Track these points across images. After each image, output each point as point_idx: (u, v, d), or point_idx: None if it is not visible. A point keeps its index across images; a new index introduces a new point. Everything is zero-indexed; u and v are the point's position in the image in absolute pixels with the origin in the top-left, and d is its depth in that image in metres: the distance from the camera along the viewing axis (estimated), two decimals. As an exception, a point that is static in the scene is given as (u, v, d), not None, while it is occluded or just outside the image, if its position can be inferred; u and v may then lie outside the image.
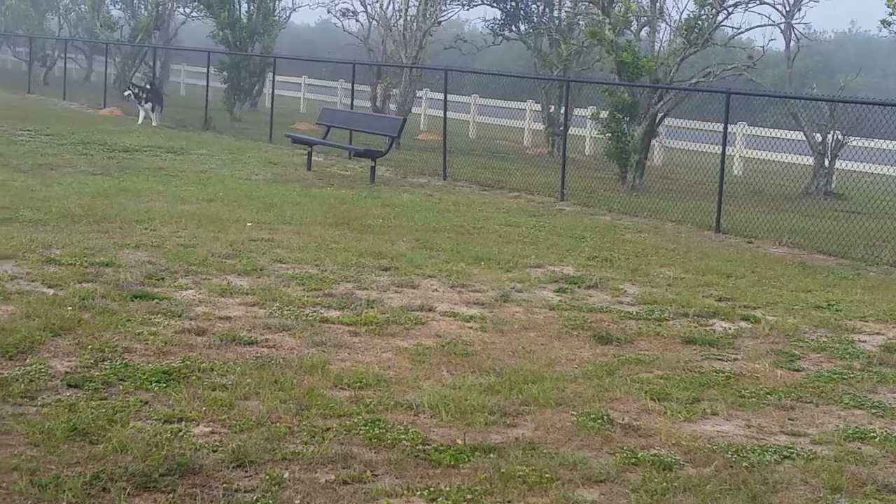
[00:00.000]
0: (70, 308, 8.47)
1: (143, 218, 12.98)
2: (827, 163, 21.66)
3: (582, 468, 5.89)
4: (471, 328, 8.96)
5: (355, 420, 6.44)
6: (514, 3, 28.97)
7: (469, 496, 5.42)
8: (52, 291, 9.07)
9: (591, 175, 21.51)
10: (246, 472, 5.62)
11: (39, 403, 6.41)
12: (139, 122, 27.88)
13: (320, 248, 11.88)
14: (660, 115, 21.14)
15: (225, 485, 5.42)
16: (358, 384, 7.15)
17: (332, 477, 5.60)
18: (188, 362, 7.35)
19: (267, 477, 5.53)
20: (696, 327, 9.48)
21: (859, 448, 6.56)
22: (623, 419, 6.79)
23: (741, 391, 7.59)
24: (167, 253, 10.97)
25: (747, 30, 22.29)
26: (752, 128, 26.20)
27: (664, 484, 5.74)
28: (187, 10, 43.73)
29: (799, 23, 23.24)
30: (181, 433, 6.05)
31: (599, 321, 9.49)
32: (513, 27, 29.27)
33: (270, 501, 5.24)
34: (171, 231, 12.28)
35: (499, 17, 29.48)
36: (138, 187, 15.76)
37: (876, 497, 5.80)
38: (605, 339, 8.83)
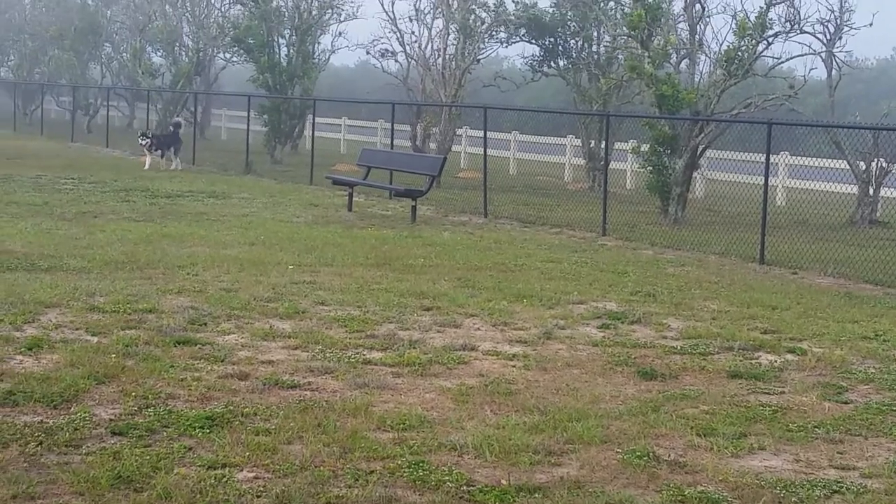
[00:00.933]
0: (114, 355, 8.50)
1: (185, 263, 13.05)
2: (871, 191, 21.49)
3: (628, 507, 5.83)
4: (514, 366, 8.91)
5: (399, 462, 6.41)
6: (552, 40, 29.02)
7: (514, 538, 5.37)
8: (95, 339, 9.11)
9: (632, 209, 21.44)
10: (290, 517, 5.60)
11: (84, 452, 6.42)
12: (146, 167, 27.76)
13: (362, 290, 11.88)
14: (701, 147, 21.08)
15: (269, 530, 5.40)
16: (401, 426, 7.12)
17: (377, 520, 5.58)
18: (231, 407, 7.35)
19: (311, 522, 5.51)
20: (741, 361, 9.39)
21: (911, 481, 6.46)
22: (669, 456, 6.72)
23: (789, 425, 7.50)
24: (210, 298, 11.01)
25: (788, 59, 22.18)
26: (794, 157, 26.05)
27: (712, 522, 5.66)
28: (227, 55, 44.15)
29: (840, 51, 23.14)
30: (225, 479, 6.04)
31: (643, 357, 9.42)
32: (551, 63, 29.32)
33: (314, 546, 5.21)
34: (213, 276, 12.33)
35: (537, 54, 29.53)
36: (180, 233, 15.86)
37: (929, 531, 5.70)
38: (650, 374, 8.76)
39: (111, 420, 7.01)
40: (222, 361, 8.59)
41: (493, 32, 29.96)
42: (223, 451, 6.47)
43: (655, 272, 14.39)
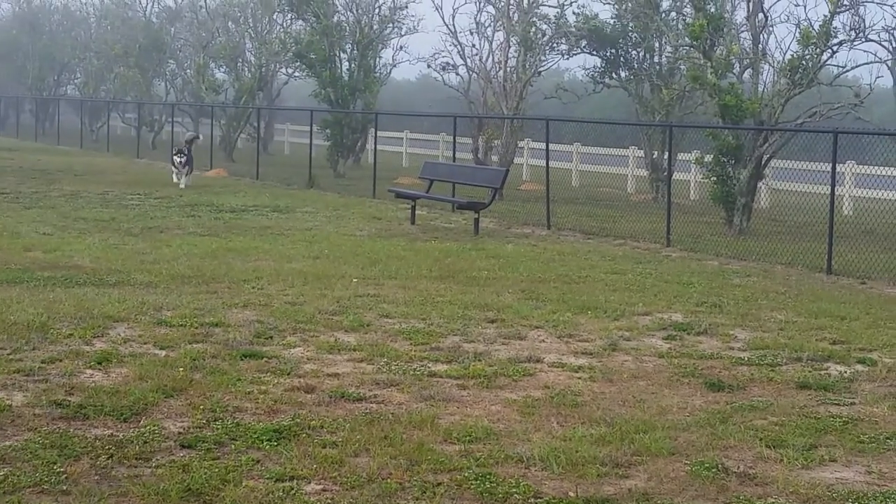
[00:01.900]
0: (181, 369, 8.57)
1: (250, 277, 13.14)
2: (940, 199, 21.20)
3: (698, 519, 5.79)
4: (579, 378, 8.88)
5: (466, 474, 6.40)
6: (613, 51, 28.95)
7: (583, 550, 5.34)
8: (163, 353, 9.19)
9: (696, 220, 21.31)
10: (358, 529, 5.61)
11: (154, 464, 6.47)
12: (182, 185, 26.99)
13: (426, 302, 11.89)
14: (765, 157, 20.91)
15: (337, 543, 5.41)
16: (467, 438, 7.11)
17: (444, 533, 5.57)
18: (298, 420, 7.38)
19: (379, 534, 5.51)
20: (810, 372, 9.29)
21: None
22: (738, 467, 6.66)
23: (860, 436, 7.40)
24: (275, 311, 11.07)
25: (853, 68, 21.98)
26: (861, 166, 25.77)
27: (783, 534, 5.60)
28: (290, 70, 44.47)
29: (906, 59, 22.88)
30: (293, 491, 6.06)
31: (710, 368, 9.35)
32: (613, 74, 29.24)
33: (383, 559, 5.21)
34: (278, 289, 12.40)
35: (599, 65, 29.47)
36: (245, 247, 15.97)
37: None
38: (717, 385, 8.69)
39: (180, 433, 7.06)
40: (288, 374, 8.63)
41: (554, 44, 29.96)
42: (291, 464, 6.50)
43: (721, 283, 14.28)
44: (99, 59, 54.65)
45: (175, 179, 27.42)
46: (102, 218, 19.24)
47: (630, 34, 28.89)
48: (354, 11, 34.71)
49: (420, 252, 16.19)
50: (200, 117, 45.66)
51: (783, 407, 8.11)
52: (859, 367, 9.51)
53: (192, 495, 5.94)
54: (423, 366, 9.09)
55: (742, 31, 22.86)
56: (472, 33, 30.89)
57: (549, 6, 29.80)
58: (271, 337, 9.95)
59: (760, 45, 21.70)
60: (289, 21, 41.47)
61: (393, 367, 8.98)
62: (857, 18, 21.17)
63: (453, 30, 31.31)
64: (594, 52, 29.41)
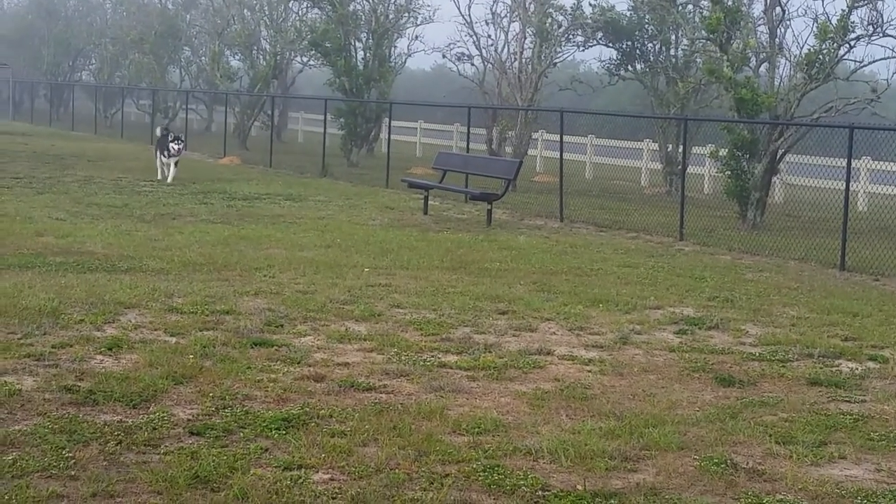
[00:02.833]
0: (191, 356, 8.57)
1: (262, 265, 13.13)
2: (955, 196, 21.11)
3: (706, 515, 5.77)
4: (590, 371, 8.86)
5: (474, 466, 6.39)
6: (629, 43, 28.88)
7: (590, 544, 5.33)
8: (174, 340, 9.20)
9: (710, 214, 21.25)
10: (365, 519, 5.60)
11: (162, 451, 6.47)
12: (170, 179, 24.23)
13: (437, 293, 11.88)
14: (780, 152, 20.84)
15: (344, 532, 5.40)
16: (476, 429, 7.10)
17: (452, 524, 5.56)
18: (307, 409, 7.38)
19: (386, 524, 5.50)
20: (821, 368, 9.26)
21: None
22: (747, 463, 6.64)
23: (870, 434, 7.37)
24: (286, 300, 11.07)
25: (870, 63, 21.80)
26: (876, 162, 25.67)
27: (791, 531, 5.58)
28: (304, 59, 44.45)
29: (924, 54, 22.72)
30: (301, 480, 6.06)
31: (721, 363, 9.32)
32: (629, 67, 29.17)
33: (389, 549, 5.20)
34: (289, 278, 12.40)
35: (614, 57, 29.42)
36: (257, 235, 15.97)
37: None
38: (728, 381, 8.66)
39: (189, 420, 7.07)
40: (298, 363, 8.63)
41: (570, 36, 29.90)
42: (299, 453, 6.50)
43: (733, 277, 14.24)
44: (114, 46, 54.73)
45: (163, 173, 24.61)
46: (115, 204, 19.25)
47: (646, 26, 28.82)
48: (370, 0, 34.68)
49: (432, 242, 16.18)
50: (215, 104, 45.73)
51: (793, 403, 8.09)
52: (871, 365, 9.48)
53: (200, 482, 5.94)
54: (433, 356, 9.08)
55: (759, 25, 22.77)
56: (487, 23, 30.84)
57: (566, -3, 29.75)
58: (282, 325, 9.94)
59: (777, 39, 21.61)
60: (304, 9, 41.50)
61: (403, 358, 8.97)
62: (874, 13, 21.03)
63: (469, 20, 31.27)
64: (610, 44, 29.35)
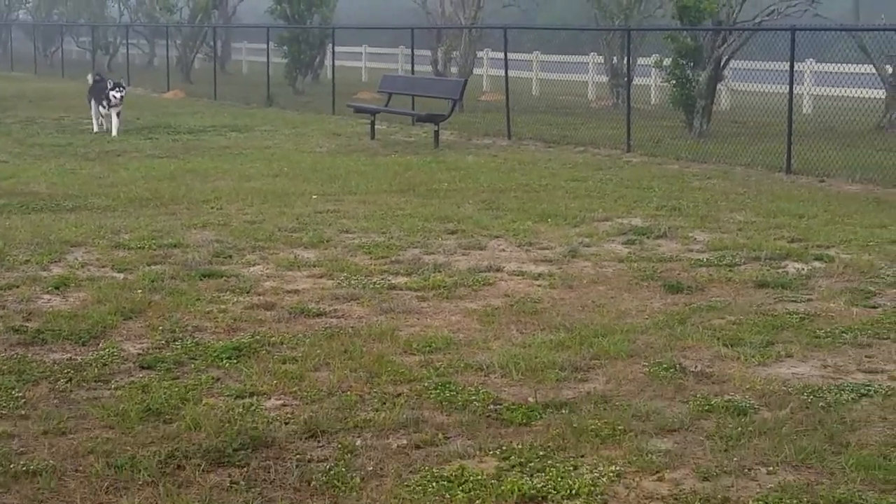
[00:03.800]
0: (140, 291, 8.54)
1: (209, 198, 13.05)
2: (898, 95, 21.20)
3: (655, 418, 5.83)
4: (539, 286, 8.90)
5: (426, 384, 6.43)
6: (569, -44, 28.68)
7: (542, 453, 5.38)
8: (121, 276, 9.15)
9: (657, 124, 21.26)
10: (318, 442, 5.63)
11: (113, 386, 6.46)
12: (115, 132, 20.46)
13: (386, 216, 11.87)
14: (724, 58, 20.83)
15: (298, 456, 5.43)
16: (427, 348, 7.13)
17: (405, 442, 5.59)
18: (258, 337, 7.38)
19: (339, 446, 5.53)
20: (768, 271, 9.35)
21: (940, 382, 6.43)
22: (696, 367, 6.71)
23: (816, 332, 7.47)
24: (234, 231, 11.02)
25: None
26: (820, 64, 25.72)
27: (739, 429, 5.66)
28: (245, -12, 43.87)
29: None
30: (253, 408, 6.07)
31: (669, 270, 9.39)
32: (570, -20, 28.99)
33: (344, 469, 5.23)
34: (237, 209, 12.34)
35: (555, -29, 29.21)
36: (204, 167, 15.85)
37: (958, 431, 5.68)
38: (676, 288, 8.73)
39: (139, 354, 7.05)
40: (248, 293, 8.61)
41: (511, -49, 29.64)
42: (251, 381, 6.51)
43: (681, 186, 14.31)
44: (51, -18, 53.83)
45: (101, 126, 21.00)
46: (58, 143, 19.02)
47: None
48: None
49: (380, 166, 16.12)
50: (156, 38, 45.13)
51: (741, 306, 8.17)
52: (816, 264, 9.58)
53: (152, 415, 5.94)
54: (382, 279, 9.09)
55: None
56: (427, -59, 30.50)
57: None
58: (230, 256, 9.91)
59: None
60: (242, -64, 40.86)
61: (353, 282, 8.97)
62: None
63: (408, -60, 30.91)
64: (551, -41, 29.14)
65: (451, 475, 5.12)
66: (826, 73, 25.14)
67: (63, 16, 53.79)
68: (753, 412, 5.94)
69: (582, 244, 10.47)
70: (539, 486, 5.00)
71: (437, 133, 19.42)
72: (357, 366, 6.76)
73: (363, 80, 37.93)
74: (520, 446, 5.47)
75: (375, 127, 20.66)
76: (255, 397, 6.26)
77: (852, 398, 6.16)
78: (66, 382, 6.48)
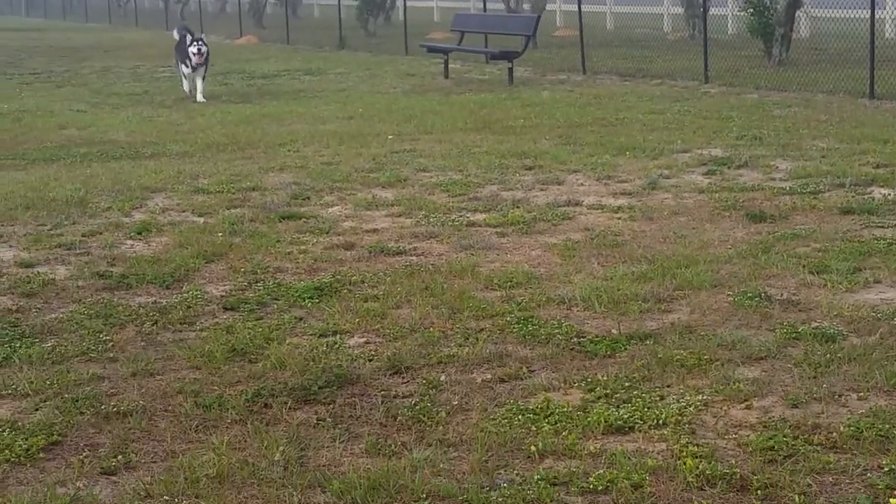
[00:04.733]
0: (220, 234, 8.58)
1: (285, 141, 13.09)
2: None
3: (741, 347, 5.76)
4: (619, 219, 8.82)
5: (508, 319, 6.40)
6: None
7: (627, 384, 5.34)
8: (202, 220, 9.21)
9: (735, 54, 20.93)
10: (403, 378, 5.63)
11: (198, 328, 6.51)
12: (200, 96, 17.86)
13: (463, 154, 11.82)
14: (802, -15, 20.42)
15: (383, 392, 5.43)
16: (508, 284, 7.09)
17: (489, 376, 5.58)
18: (339, 277, 7.38)
19: (424, 381, 5.53)
20: (853, 196, 9.18)
21: None
22: (781, 295, 6.61)
23: (905, 257, 7.32)
24: (311, 172, 11.04)
25: None
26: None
27: (827, 356, 5.57)
28: (314, -68, 43.73)
29: None
30: (337, 346, 6.09)
31: (752, 200, 9.25)
32: None
33: (429, 404, 5.23)
34: (313, 151, 12.36)
35: None
36: (279, 111, 15.89)
37: None
38: (759, 217, 8.60)
39: (222, 296, 7.09)
40: (327, 233, 8.62)
41: None
42: (333, 320, 6.52)
43: (761, 115, 14.09)
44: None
45: (187, 87, 18.31)
46: (135, 92, 19.18)
47: None
48: None
49: (455, 105, 16.05)
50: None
51: (826, 233, 8.03)
52: (903, 190, 9.39)
53: (237, 355, 5.98)
54: (461, 216, 9.06)
55: None
56: None
57: None
58: (308, 198, 9.93)
59: None
60: None
61: (431, 220, 8.95)
62: None
63: None
64: None
65: (537, 408, 5.10)
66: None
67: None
68: (842, 339, 5.84)
69: (661, 176, 10.35)
70: (625, 416, 4.96)
71: (511, 70, 19.28)
72: (438, 302, 6.74)
73: (435, 20, 37.74)
74: (605, 378, 5.43)
75: (449, 66, 20.56)
76: (338, 335, 6.27)
77: (944, 323, 6.04)
78: (152, 325, 6.54)
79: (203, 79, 17.93)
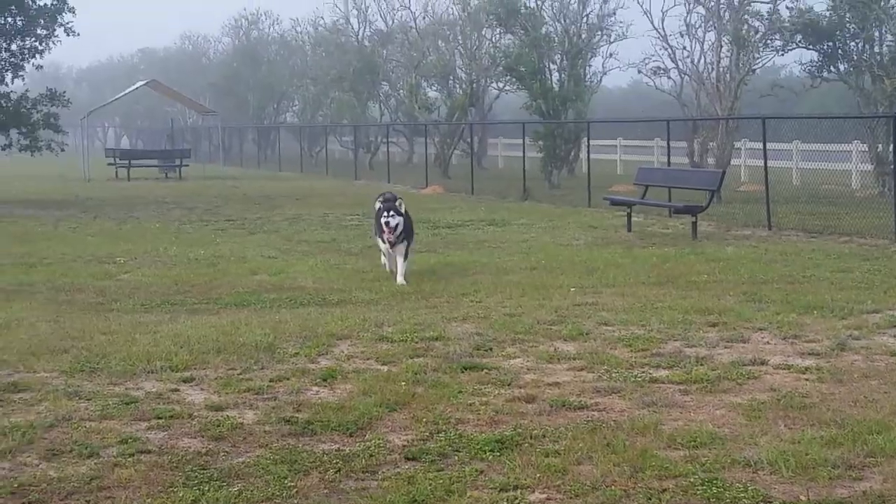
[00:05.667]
0: (404, 383, 8.68)
1: (468, 290, 13.23)
2: None
3: (938, 522, 5.53)
4: (807, 380, 8.62)
5: (692, 480, 6.28)
6: (831, 44, 28.14)
7: (816, 555, 5.17)
8: (386, 368, 9.33)
9: (926, 212, 20.44)
10: (583, 537, 5.56)
11: (380, 477, 6.56)
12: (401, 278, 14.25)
13: (645, 308, 11.76)
14: None
15: (563, 551, 5.37)
16: (692, 443, 6.98)
17: (672, 540, 5.47)
18: (520, 430, 7.37)
19: (604, 542, 5.45)
20: None
21: None
22: (981, 468, 6.34)
23: None
24: (494, 323, 11.12)
25: None
26: None
27: None
28: (500, 85, 44.76)
29: None
30: (517, 500, 6.06)
31: (947, 364, 8.95)
32: (831, 68, 28.41)
33: (609, 567, 5.15)
34: (496, 301, 12.46)
35: (816, 59, 28.69)
36: (463, 261, 16.11)
37: None
38: (955, 383, 8.30)
39: (404, 446, 7.14)
40: (509, 385, 8.64)
41: (768, 41, 29.31)
42: (514, 474, 6.49)
43: (955, 276, 13.68)
44: (315, 86, 56.25)
45: (386, 264, 15.07)
46: (323, 239, 19.71)
47: (847, 25, 28.03)
48: (562, 21, 34.70)
49: (637, 258, 16.04)
50: (415, 136, 46.43)
51: None
52: None
53: (420, 506, 6.00)
54: (643, 372, 8.98)
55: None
56: (682, 35, 30.53)
57: (761, 2, 29.19)
58: (491, 349, 9.98)
59: None
60: (497, 35, 41.80)
61: (613, 375, 8.90)
62: None
63: (663, 33, 30.99)
64: (810, 46, 28.64)
65: (722, 575, 4.97)
66: None
67: (327, 117, 55.98)
68: None
69: (851, 337, 10.11)
70: (815, 589, 4.80)
71: (694, 224, 19.22)
72: (620, 460, 6.67)
73: (618, 173, 37.99)
74: (793, 547, 5.27)
75: (632, 219, 20.60)
76: (518, 490, 6.24)
77: None
78: (335, 473, 6.62)
79: (405, 257, 14.57)
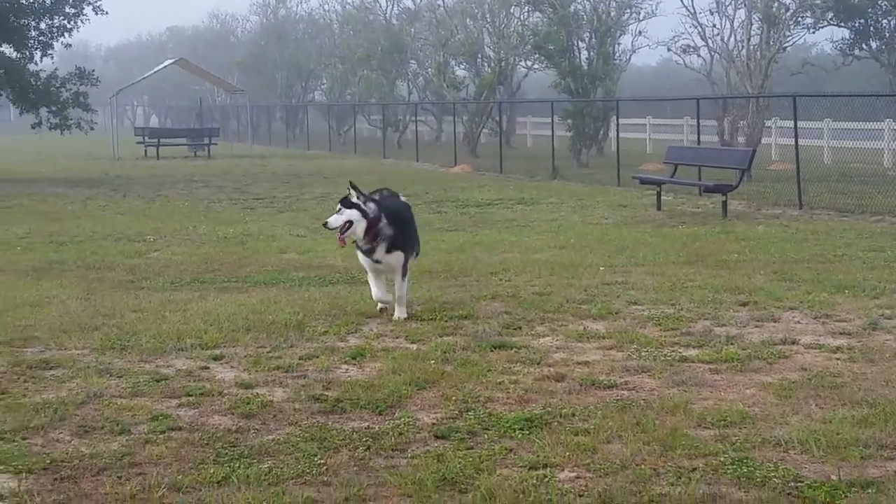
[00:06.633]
0: (433, 361, 8.68)
1: (497, 269, 13.22)
2: None
3: (971, 502, 5.50)
4: (838, 359, 8.58)
5: (721, 459, 6.26)
6: (862, 21, 27.98)
7: (848, 535, 5.15)
8: (415, 346, 9.34)
9: (959, 191, 20.32)
10: (613, 516, 5.56)
11: (410, 455, 6.57)
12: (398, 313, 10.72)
13: (675, 287, 11.72)
14: None
15: (593, 530, 5.37)
16: (722, 422, 6.96)
17: (702, 519, 5.46)
18: (549, 409, 7.37)
19: (635, 520, 5.44)
20: None
21: None
22: None
23: None
24: (523, 302, 11.10)
25: None
26: None
27: None
28: (529, 63, 44.63)
29: None
30: (547, 479, 6.05)
31: (980, 344, 8.89)
32: (863, 45, 28.23)
33: (639, 545, 5.14)
34: (525, 280, 12.44)
35: (847, 37, 28.51)
36: (491, 240, 16.09)
37: None
38: None
39: (433, 424, 7.15)
40: (538, 364, 8.63)
41: (799, 18, 29.12)
42: (543, 452, 6.49)
43: None
44: (343, 64, 56.22)
45: (374, 290, 10.66)
46: (353, 218, 19.68)
47: (880, 2, 27.82)
48: (591, 0, 34.54)
49: (667, 237, 15.98)
50: (443, 115, 46.38)
51: None
52: None
53: (448, 484, 6.00)
54: (673, 351, 8.96)
55: None
56: (712, 13, 30.40)
57: (792, -21, 28.98)
58: (520, 327, 9.97)
59: None
60: (526, 13, 41.69)
61: (643, 354, 8.88)
62: None
63: (693, 11, 30.83)
64: (842, 24, 28.49)
65: (752, 554, 4.96)
66: None
67: (355, 96, 55.97)
68: None
69: (883, 316, 10.05)
70: (847, 569, 4.78)
71: (725, 203, 19.13)
72: (650, 438, 6.65)
73: (647, 152, 37.85)
74: (824, 526, 5.26)
75: (661, 198, 20.53)
76: (548, 469, 6.24)
77: None
78: (365, 450, 6.63)
79: (404, 276, 10.57)
